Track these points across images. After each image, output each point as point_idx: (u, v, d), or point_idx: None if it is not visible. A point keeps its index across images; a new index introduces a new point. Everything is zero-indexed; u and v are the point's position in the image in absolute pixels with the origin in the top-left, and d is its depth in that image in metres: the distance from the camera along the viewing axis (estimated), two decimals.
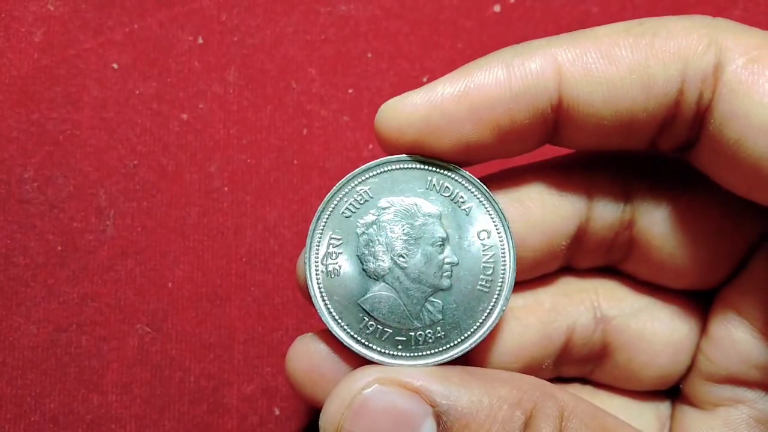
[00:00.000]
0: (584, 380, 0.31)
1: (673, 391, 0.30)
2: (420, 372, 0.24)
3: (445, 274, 0.25)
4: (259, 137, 0.37)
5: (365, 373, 0.24)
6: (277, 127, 0.37)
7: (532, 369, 0.28)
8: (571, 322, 0.28)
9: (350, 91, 0.38)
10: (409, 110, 0.25)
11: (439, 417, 0.23)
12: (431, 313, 0.25)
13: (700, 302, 0.29)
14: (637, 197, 0.27)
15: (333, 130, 0.37)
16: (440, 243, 0.25)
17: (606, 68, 0.23)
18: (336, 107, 0.37)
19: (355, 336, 0.25)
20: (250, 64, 0.37)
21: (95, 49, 0.36)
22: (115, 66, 0.36)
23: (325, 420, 0.24)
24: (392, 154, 0.26)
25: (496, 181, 0.27)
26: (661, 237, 0.27)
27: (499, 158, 0.26)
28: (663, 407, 0.30)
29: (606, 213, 0.27)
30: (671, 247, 0.27)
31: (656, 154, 0.28)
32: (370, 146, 0.37)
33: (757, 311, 0.26)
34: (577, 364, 0.30)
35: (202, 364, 0.35)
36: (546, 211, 0.27)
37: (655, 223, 0.27)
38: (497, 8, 0.39)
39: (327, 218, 0.26)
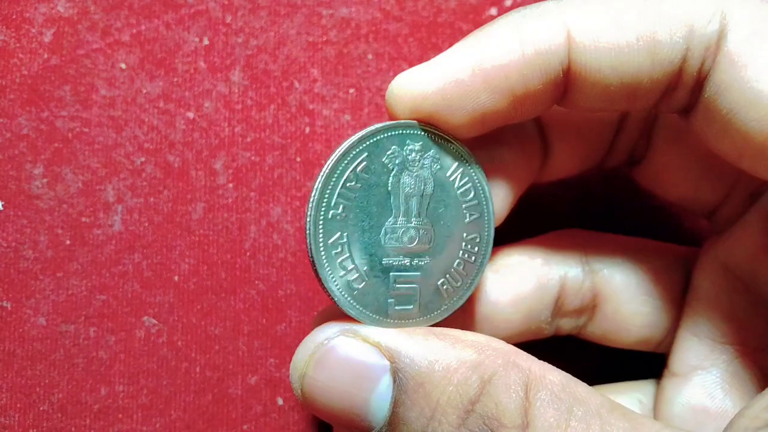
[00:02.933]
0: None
1: (655, 374, 0.32)
2: (385, 329, 0.24)
3: None
4: (263, 135, 0.38)
5: (332, 325, 0.24)
6: (280, 125, 0.38)
7: (531, 320, 0.30)
8: (562, 273, 0.30)
9: (351, 91, 0.39)
10: (423, 85, 0.25)
11: (396, 373, 0.23)
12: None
13: (684, 259, 0.30)
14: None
15: (335, 129, 0.38)
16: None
17: (614, 34, 0.24)
18: (337, 107, 0.39)
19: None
20: (254, 65, 0.38)
21: (104, 49, 0.37)
22: (123, 66, 0.37)
23: (292, 367, 0.24)
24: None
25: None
26: (667, 141, 0.29)
27: (511, 123, 0.26)
28: (641, 395, 0.32)
29: (636, 123, 0.29)
30: (673, 154, 0.29)
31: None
32: None
33: (740, 268, 0.28)
34: (571, 316, 0.31)
35: (207, 355, 0.36)
36: None
37: (666, 129, 0.29)
38: (493, 11, 0.41)
39: None
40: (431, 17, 0.40)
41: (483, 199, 0.27)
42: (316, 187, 0.26)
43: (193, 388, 0.35)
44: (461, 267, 0.26)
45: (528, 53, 0.24)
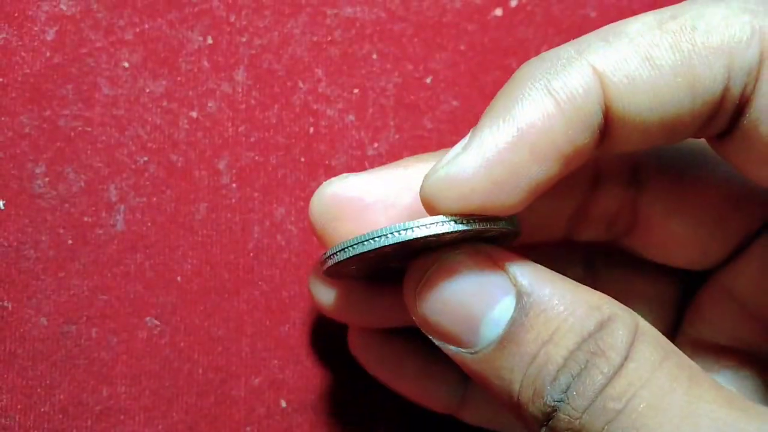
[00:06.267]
0: None
1: None
2: (510, 253, 0.24)
3: None
4: (267, 135, 0.38)
5: (455, 246, 0.24)
6: (284, 125, 0.38)
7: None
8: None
9: (356, 91, 0.39)
10: (467, 174, 0.22)
11: (520, 297, 0.23)
12: None
13: (688, 276, 0.30)
14: (643, 172, 0.28)
15: (339, 129, 0.38)
16: None
17: (649, 74, 0.22)
18: (342, 107, 0.38)
19: None
20: (258, 65, 0.38)
21: (107, 48, 0.37)
22: (126, 65, 0.37)
23: (411, 275, 0.25)
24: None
25: None
26: (662, 214, 0.28)
27: (559, 183, 0.25)
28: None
29: (612, 187, 0.28)
30: (672, 224, 0.28)
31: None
32: (375, 144, 0.38)
33: (748, 291, 0.27)
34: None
35: (210, 356, 0.35)
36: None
37: (658, 199, 0.28)
38: (499, 12, 0.40)
39: None
40: (436, 17, 0.40)
41: None
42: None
43: (196, 389, 0.35)
44: None
45: (567, 111, 0.22)
